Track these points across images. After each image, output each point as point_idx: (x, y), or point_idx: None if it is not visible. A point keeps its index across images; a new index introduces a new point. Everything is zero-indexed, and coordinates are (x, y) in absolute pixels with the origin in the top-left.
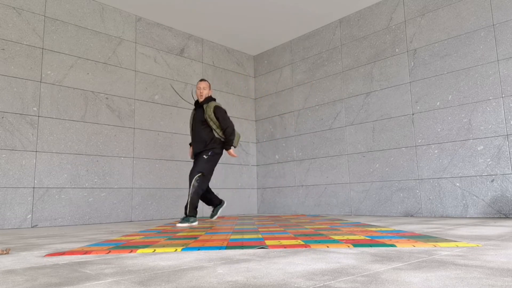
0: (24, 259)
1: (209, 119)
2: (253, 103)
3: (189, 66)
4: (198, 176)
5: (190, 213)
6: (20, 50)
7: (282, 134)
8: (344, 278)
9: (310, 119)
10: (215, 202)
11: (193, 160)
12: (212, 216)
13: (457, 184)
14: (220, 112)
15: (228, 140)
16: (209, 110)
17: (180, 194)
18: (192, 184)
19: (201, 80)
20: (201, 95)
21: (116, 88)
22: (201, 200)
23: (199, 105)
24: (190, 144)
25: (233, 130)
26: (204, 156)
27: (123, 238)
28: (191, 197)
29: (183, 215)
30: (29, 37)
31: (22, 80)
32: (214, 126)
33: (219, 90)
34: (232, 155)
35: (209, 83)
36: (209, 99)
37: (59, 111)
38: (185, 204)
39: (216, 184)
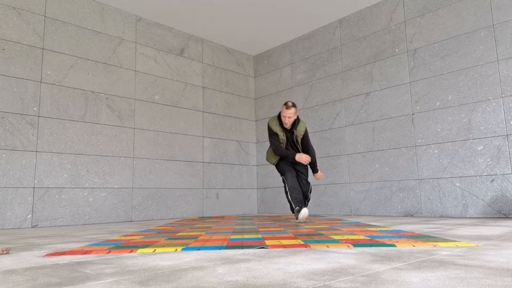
0: (24, 259)
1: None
2: (253, 103)
3: (189, 66)
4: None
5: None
6: (20, 50)
7: None
8: (344, 278)
9: (310, 119)
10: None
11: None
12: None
13: (457, 184)
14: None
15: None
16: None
17: (180, 194)
18: None
19: (293, 105)
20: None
21: (116, 88)
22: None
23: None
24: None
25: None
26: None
27: (123, 238)
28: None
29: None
30: (29, 37)
31: (22, 80)
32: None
33: (219, 90)
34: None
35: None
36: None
37: (59, 111)
38: None
39: (216, 184)
